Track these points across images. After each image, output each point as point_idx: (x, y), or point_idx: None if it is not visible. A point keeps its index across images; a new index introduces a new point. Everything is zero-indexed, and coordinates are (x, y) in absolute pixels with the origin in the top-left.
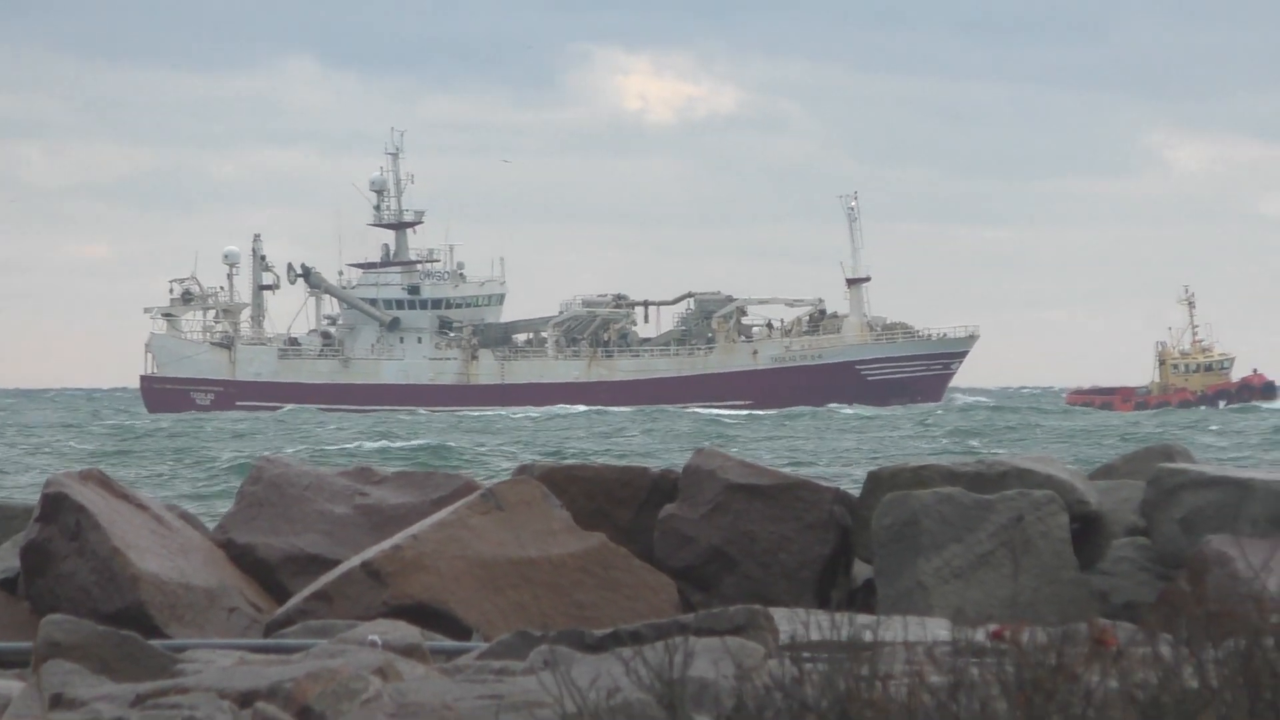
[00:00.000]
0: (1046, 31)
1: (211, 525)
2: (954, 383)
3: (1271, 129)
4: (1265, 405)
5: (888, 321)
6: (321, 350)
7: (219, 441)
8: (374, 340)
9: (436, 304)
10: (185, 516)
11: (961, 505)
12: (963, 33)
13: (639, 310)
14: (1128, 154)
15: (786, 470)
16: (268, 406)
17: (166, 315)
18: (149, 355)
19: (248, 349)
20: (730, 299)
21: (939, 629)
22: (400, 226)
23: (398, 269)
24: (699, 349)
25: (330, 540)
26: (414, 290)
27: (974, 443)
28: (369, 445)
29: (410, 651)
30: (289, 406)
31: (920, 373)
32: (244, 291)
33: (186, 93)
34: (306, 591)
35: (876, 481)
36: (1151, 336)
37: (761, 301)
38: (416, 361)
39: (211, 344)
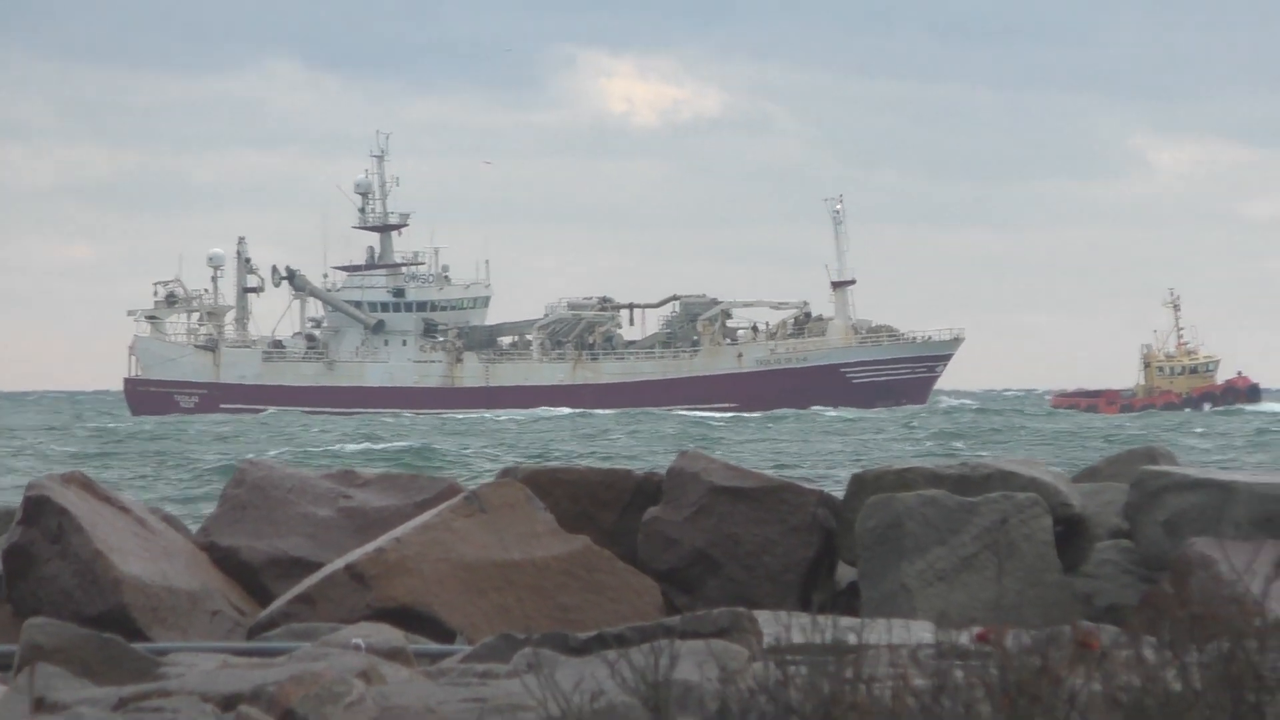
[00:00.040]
0: (1030, 35)
1: (194, 528)
2: (938, 385)
3: (1255, 132)
4: (1249, 408)
5: (872, 324)
6: (306, 353)
7: (202, 444)
8: (359, 343)
9: (421, 307)
10: (168, 519)
11: (945, 508)
12: (947, 36)
13: (624, 313)
14: (1112, 157)
15: (770, 473)
16: (252, 409)
17: (150, 318)
18: (133, 358)
19: (232, 351)
20: (715, 302)
21: (923, 632)
22: (385, 229)
23: (383, 272)
24: (684, 352)
25: (313, 543)
26: (399, 293)
27: (958, 444)
28: (352, 447)
29: (394, 654)
30: (273, 409)
31: (905, 375)
32: (228, 294)
33: (170, 95)
34: (290, 594)
35: (860, 484)
36: (1135, 339)
37: (746, 304)
38: (401, 364)
39: (196, 347)
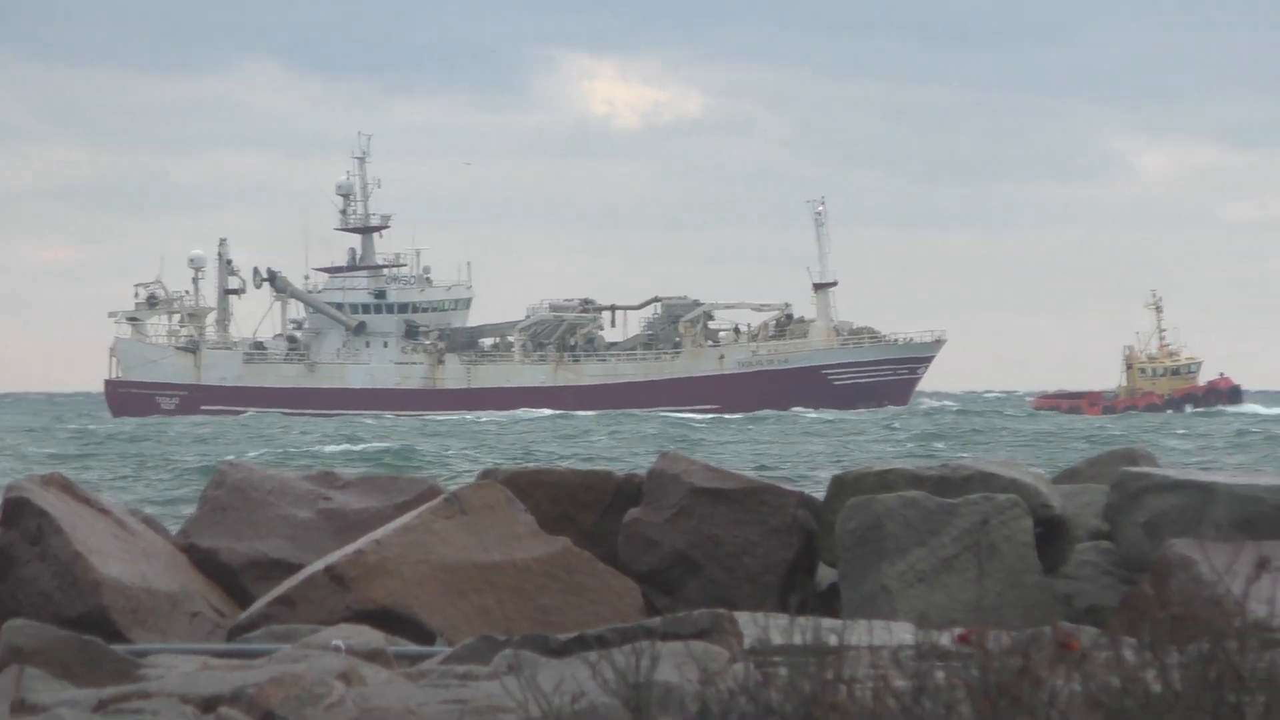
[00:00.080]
0: (1011, 37)
1: (174, 530)
2: (919, 387)
3: (1234, 134)
4: (1231, 409)
5: (854, 326)
6: (287, 354)
7: (182, 446)
8: (340, 344)
9: (403, 308)
10: (148, 521)
11: (925, 509)
12: (928, 38)
13: (606, 315)
14: (1094, 158)
15: (751, 474)
16: (233, 411)
17: (131, 319)
18: (114, 359)
19: (213, 353)
20: (697, 303)
21: (903, 633)
22: (367, 230)
23: (364, 273)
24: (665, 353)
25: (293, 545)
26: (380, 294)
27: (939, 445)
28: (332, 449)
29: (374, 656)
30: (253, 410)
31: (887, 377)
32: (209, 296)
33: (151, 96)
34: (269, 596)
35: (841, 485)
36: (1117, 341)
37: (728, 306)
38: (383, 366)
39: (177, 348)
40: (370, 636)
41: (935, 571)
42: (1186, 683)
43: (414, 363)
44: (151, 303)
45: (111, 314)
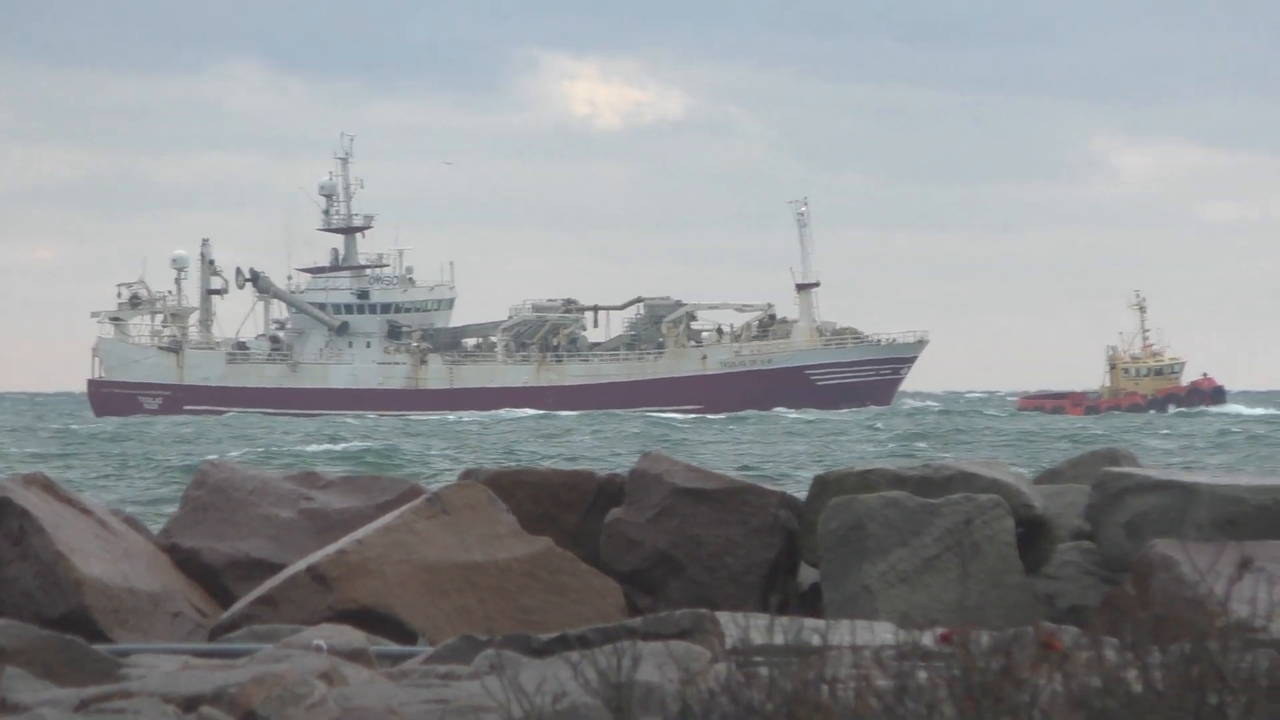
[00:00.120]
0: (994, 38)
1: (156, 529)
2: (902, 387)
3: (1215, 135)
4: (1214, 409)
5: (837, 326)
6: (270, 355)
7: (164, 445)
8: (323, 345)
9: (385, 308)
10: (130, 521)
11: (907, 509)
12: (909, 39)
13: (588, 315)
14: (1074, 159)
15: (733, 474)
16: (216, 411)
17: (114, 319)
18: (96, 359)
19: (196, 353)
20: (680, 304)
21: (885, 633)
22: (349, 231)
23: (347, 273)
24: (648, 354)
25: (275, 545)
26: (363, 295)
27: (921, 445)
28: (314, 449)
29: (355, 656)
30: (236, 410)
31: (870, 378)
32: (192, 296)
33: (133, 96)
34: (251, 596)
35: (822, 485)
36: (1099, 341)
37: (711, 306)
38: (365, 366)
39: (159, 348)
40: (352, 636)
41: (917, 571)
42: (1168, 683)
43: (397, 363)
44: (134, 303)
45: (94, 314)
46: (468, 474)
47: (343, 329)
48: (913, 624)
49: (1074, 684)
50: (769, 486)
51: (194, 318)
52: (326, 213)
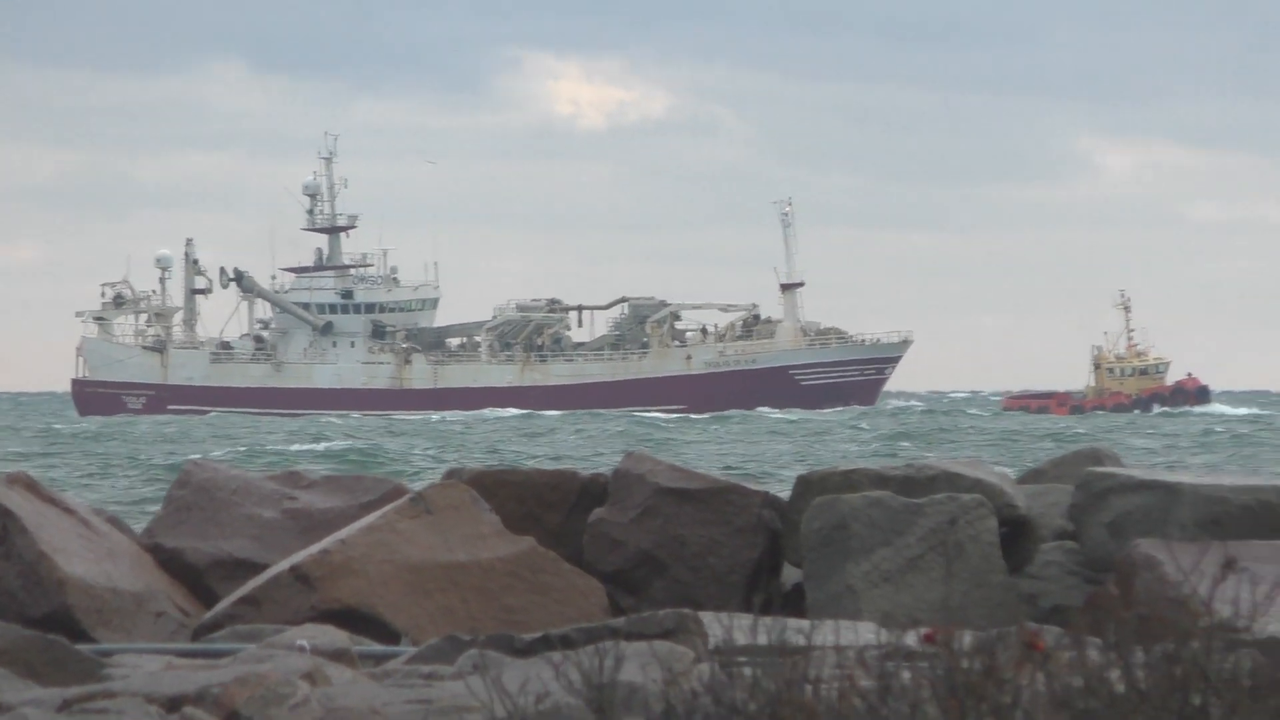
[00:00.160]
0: (976, 38)
1: (139, 529)
2: (886, 387)
3: (1198, 136)
4: (1198, 409)
5: (821, 326)
6: (254, 354)
7: (148, 445)
8: (307, 344)
9: (370, 308)
10: (113, 520)
11: (890, 509)
12: (892, 38)
13: (573, 315)
14: (1059, 159)
15: (717, 474)
16: (200, 410)
17: (98, 319)
18: (80, 359)
19: (180, 353)
20: (664, 304)
21: (869, 633)
22: (334, 231)
23: (331, 273)
24: (633, 353)
25: (258, 544)
26: (347, 294)
27: (905, 445)
28: (297, 448)
29: (338, 656)
30: (220, 410)
31: (854, 377)
32: (176, 295)
33: (115, 96)
34: (234, 596)
35: (806, 485)
36: (1083, 341)
37: (695, 306)
38: (350, 366)
39: (143, 348)
40: (335, 636)
41: (900, 571)
42: (1151, 683)
43: (381, 363)
44: (118, 302)
45: (78, 314)
46: (451, 474)
47: (327, 329)
48: (896, 624)
49: (1057, 684)
50: (752, 486)
51: (178, 317)
52: (311, 212)
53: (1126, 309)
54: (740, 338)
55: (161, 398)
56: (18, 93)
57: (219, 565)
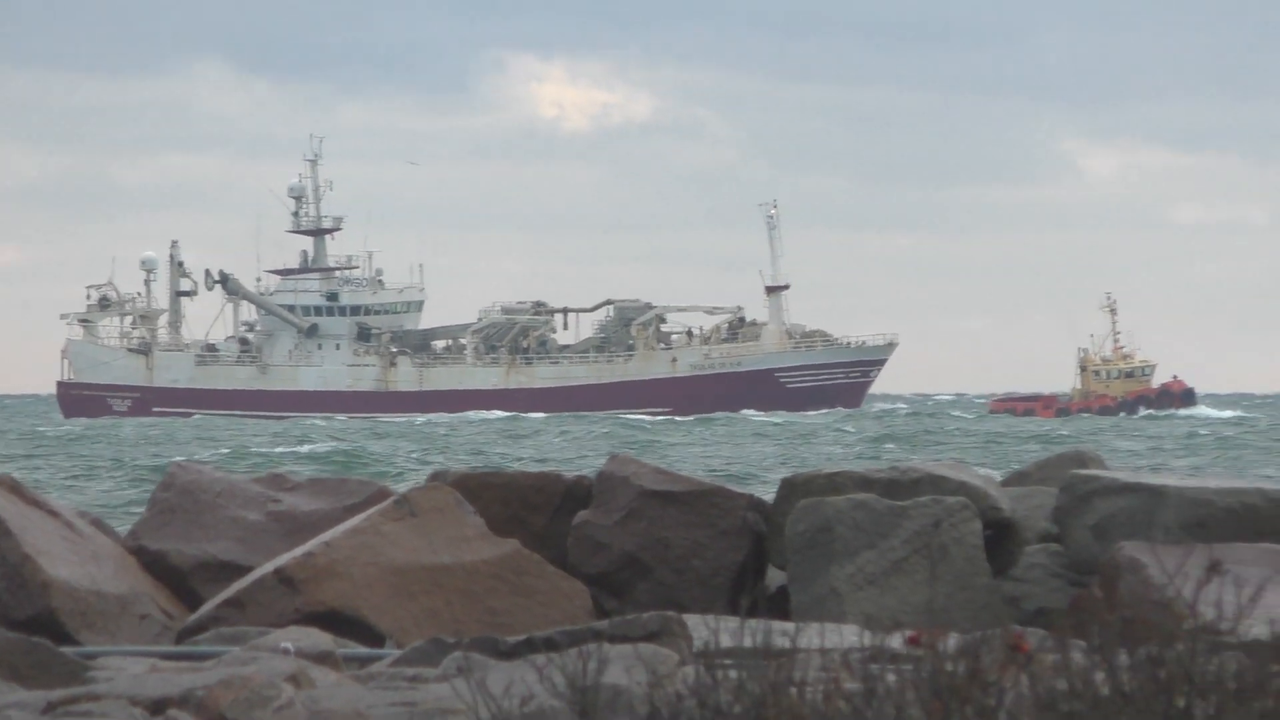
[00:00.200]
0: (961, 39)
1: (124, 532)
2: (871, 390)
3: (1181, 137)
4: (1184, 412)
5: (806, 329)
6: (239, 357)
7: (133, 447)
8: (292, 347)
9: (355, 311)
10: (97, 523)
11: (875, 512)
12: (877, 39)
13: (558, 317)
14: (1042, 161)
15: (701, 477)
16: (185, 413)
17: (83, 321)
18: (65, 361)
19: (165, 355)
20: (649, 306)
21: (853, 635)
22: (319, 233)
23: (316, 275)
24: (618, 356)
25: (243, 547)
26: (332, 297)
27: (890, 447)
28: (281, 450)
29: (323, 658)
30: (205, 412)
31: (839, 380)
32: (161, 298)
33: (99, 97)
34: (219, 598)
35: (790, 488)
36: (1070, 343)
37: (681, 309)
38: (335, 368)
39: (128, 350)
40: (319, 639)
41: (885, 574)
42: (1135, 685)
43: (366, 365)
44: (103, 304)
45: (63, 316)
46: (435, 476)
47: (312, 331)
48: (880, 626)
49: (1041, 686)
50: (737, 489)
51: (163, 320)
52: (295, 214)
53: (1112, 311)
54: (725, 340)
55: (146, 400)
56: (2, 94)
57: (203, 568)
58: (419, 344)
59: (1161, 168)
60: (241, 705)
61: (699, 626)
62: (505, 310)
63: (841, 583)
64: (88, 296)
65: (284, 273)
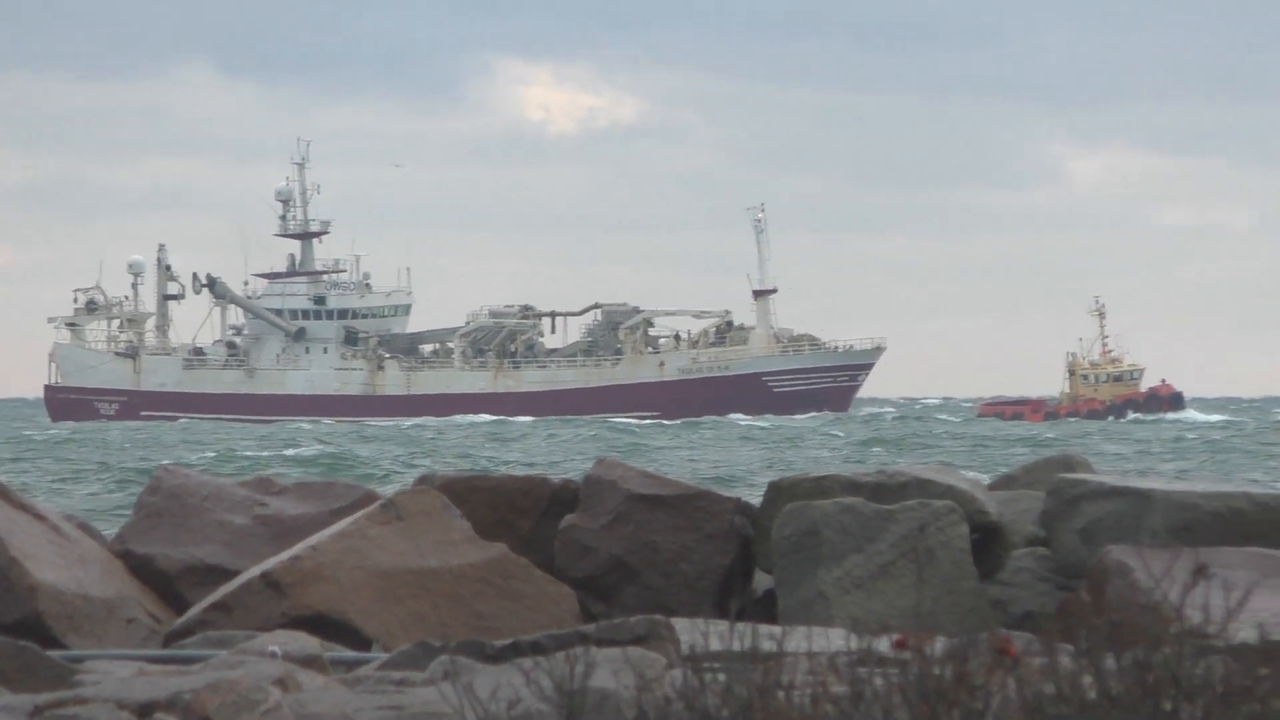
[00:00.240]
0: (947, 42)
1: (110, 535)
2: (859, 394)
3: (1166, 140)
4: (1172, 416)
5: (794, 333)
6: (226, 360)
7: (119, 451)
8: (279, 350)
9: (342, 314)
10: (83, 527)
11: (862, 515)
12: (864, 42)
13: (546, 321)
14: (1028, 164)
15: (688, 481)
16: (172, 416)
17: (71, 325)
18: (53, 365)
19: (152, 359)
20: (637, 310)
21: (840, 639)
22: (306, 236)
23: (303, 279)
24: (606, 360)
25: (229, 551)
26: (320, 300)
27: (877, 450)
28: (269, 454)
29: (310, 662)
30: (192, 416)
31: (827, 384)
32: (149, 301)
33: (83, 101)
34: (205, 602)
35: (777, 491)
36: (1058, 347)
37: (669, 313)
38: (322, 372)
39: (116, 354)
40: (306, 643)
41: (872, 578)
42: (1123, 689)
43: (354, 369)
44: (91, 308)
45: (51, 319)
46: (422, 480)
47: (299, 335)
48: (867, 630)
49: (1028, 690)
50: (724, 492)
51: (150, 323)
52: (283, 218)
53: (1101, 315)
54: (713, 344)
55: (134, 404)
56: None
57: (190, 572)
58: (406, 347)
59: (1149, 171)
60: (228, 709)
61: (686, 630)
62: (493, 314)
63: (829, 586)
64: (75, 300)
65: (271, 276)
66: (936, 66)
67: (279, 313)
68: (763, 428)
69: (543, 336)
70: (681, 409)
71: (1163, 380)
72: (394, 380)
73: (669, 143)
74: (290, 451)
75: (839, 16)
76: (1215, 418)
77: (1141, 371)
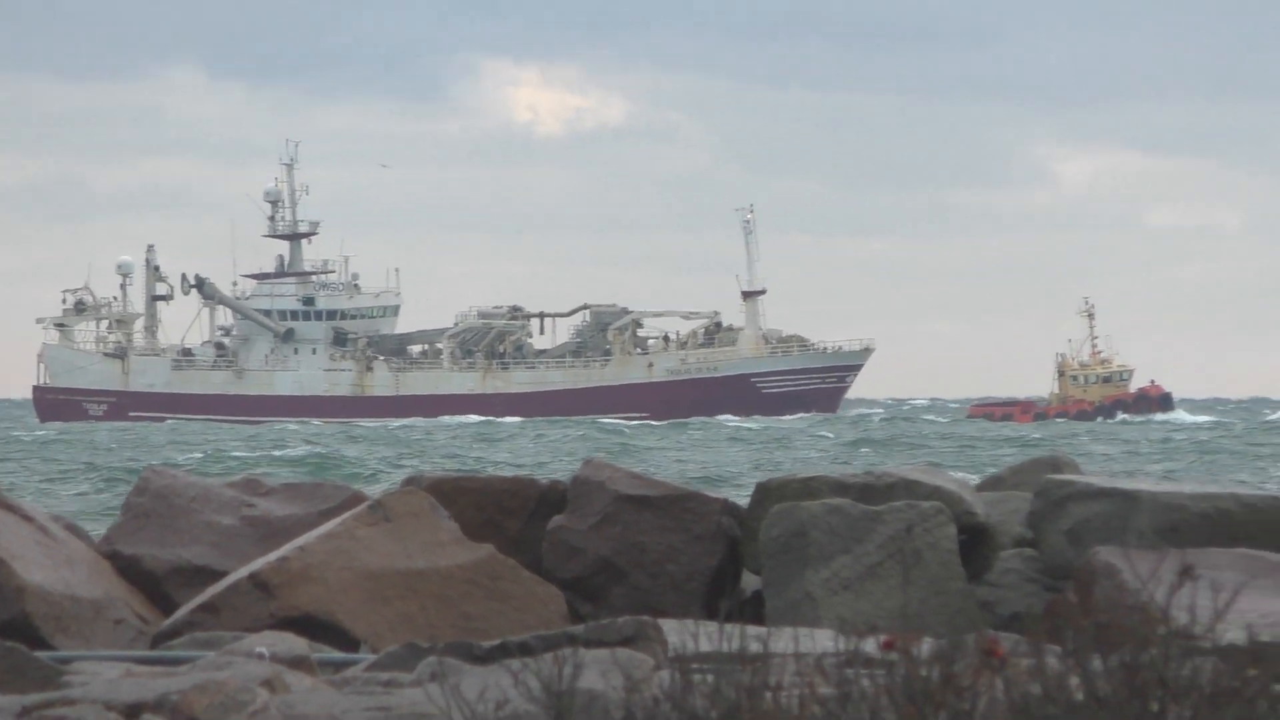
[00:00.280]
0: (935, 43)
1: (98, 536)
2: (848, 395)
3: (1155, 141)
4: (1161, 417)
5: (783, 334)
6: (215, 361)
7: (107, 451)
8: (268, 351)
9: (331, 315)
10: (71, 528)
11: (850, 516)
12: (851, 43)
13: (534, 322)
14: (1018, 165)
15: (676, 481)
16: (161, 417)
17: (59, 325)
18: (41, 365)
19: (141, 360)
20: (626, 311)
21: (828, 640)
22: (295, 237)
23: (292, 280)
24: (595, 361)
25: (217, 552)
26: (309, 301)
27: (865, 451)
28: (257, 455)
29: (297, 663)
30: (181, 416)
31: (815, 385)
32: (137, 302)
33: (72, 102)
34: (193, 603)
35: (765, 492)
36: (1044, 348)
37: (657, 314)
38: (311, 373)
39: (105, 354)
40: (294, 644)
41: (859, 579)
42: (1110, 690)
43: (342, 370)
44: (79, 309)
45: (39, 320)
46: (410, 481)
47: (288, 336)
48: (854, 631)
49: (1015, 691)
50: (712, 493)
51: (139, 324)
52: (272, 219)
53: (1090, 316)
54: (702, 345)
55: (123, 404)
56: None
57: (178, 572)
58: (395, 348)
59: (1138, 172)
60: (216, 710)
61: (674, 631)
62: (481, 315)
63: (816, 587)
64: (64, 301)
65: (260, 277)
66: (924, 68)
67: (267, 313)
68: (751, 429)
69: (531, 337)
70: (670, 410)
71: (1152, 381)
72: (382, 381)
73: (657, 143)
74: (278, 452)
75: (828, 17)
76: (1204, 419)
77: (1131, 372)
